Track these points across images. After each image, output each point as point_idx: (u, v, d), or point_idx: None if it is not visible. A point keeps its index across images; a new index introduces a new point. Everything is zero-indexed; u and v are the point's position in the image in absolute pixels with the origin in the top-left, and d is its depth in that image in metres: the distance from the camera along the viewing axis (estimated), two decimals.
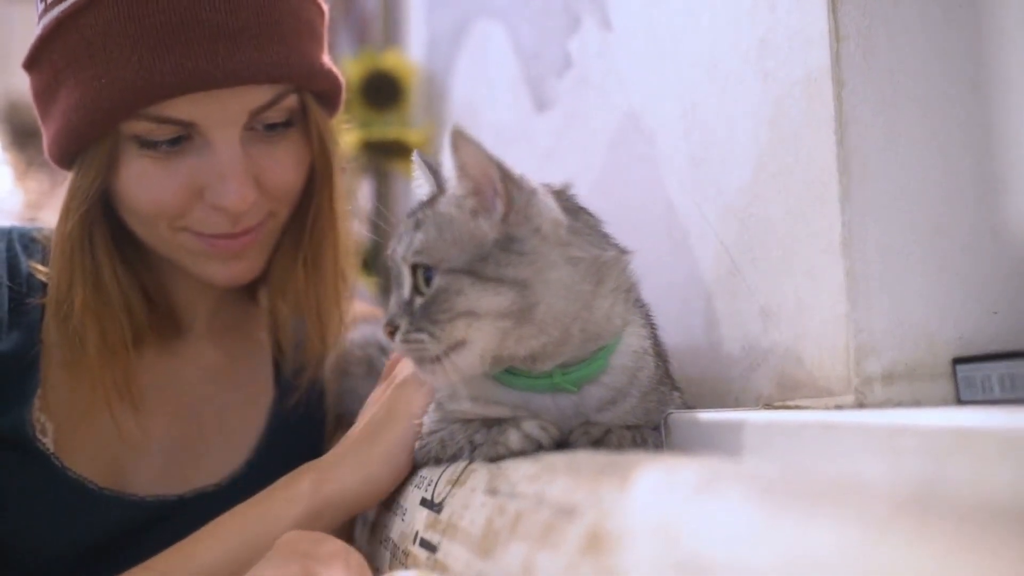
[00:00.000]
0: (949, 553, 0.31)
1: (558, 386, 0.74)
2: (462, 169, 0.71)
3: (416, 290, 0.72)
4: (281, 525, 0.84)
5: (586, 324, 0.72)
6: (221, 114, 0.88)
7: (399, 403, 0.86)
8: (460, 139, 0.69)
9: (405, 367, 0.89)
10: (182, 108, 0.86)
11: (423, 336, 0.70)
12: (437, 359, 0.70)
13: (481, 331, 0.69)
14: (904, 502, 0.36)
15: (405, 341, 0.71)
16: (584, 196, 0.79)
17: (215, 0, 0.86)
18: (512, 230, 0.70)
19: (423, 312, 0.70)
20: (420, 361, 0.72)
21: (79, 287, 0.91)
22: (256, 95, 0.89)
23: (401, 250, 0.73)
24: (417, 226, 0.73)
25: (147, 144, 0.88)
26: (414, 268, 0.72)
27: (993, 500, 0.35)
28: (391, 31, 1.99)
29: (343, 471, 0.85)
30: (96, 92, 0.85)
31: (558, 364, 0.73)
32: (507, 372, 0.74)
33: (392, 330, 0.72)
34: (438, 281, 0.70)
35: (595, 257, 0.73)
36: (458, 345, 0.70)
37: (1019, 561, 0.29)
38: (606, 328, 0.74)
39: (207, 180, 0.89)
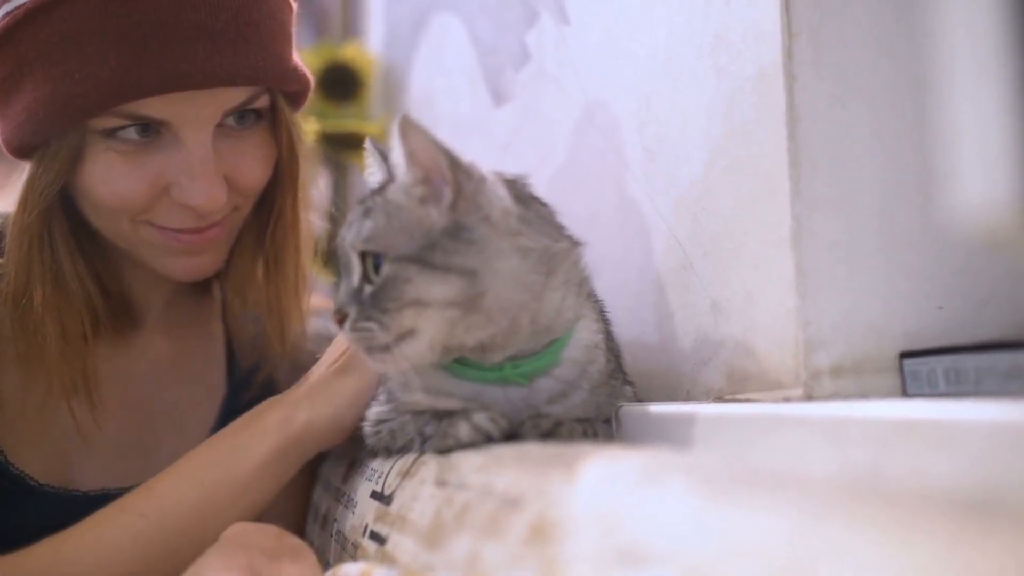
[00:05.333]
0: (885, 538, 0.31)
1: (508, 379, 0.73)
2: (410, 157, 0.70)
3: (365, 278, 0.71)
4: (250, 461, 0.85)
5: (536, 315, 0.72)
6: (195, 114, 0.86)
7: None
8: (408, 127, 0.69)
9: None
10: (156, 107, 0.84)
11: (372, 325, 0.70)
12: (386, 348, 0.70)
13: (429, 320, 0.69)
14: (843, 491, 0.37)
15: (354, 330, 0.71)
16: (541, 189, 0.78)
17: (196, 1, 0.84)
18: (461, 218, 0.70)
19: (372, 301, 0.70)
20: (369, 350, 0.71)
21: (39, 283, 0.89)
22: (231, 96, 0.88)
23: (350, 237, 0.73)
24: (366, 213, 0.73)
25: (114, 137, 0.86)
26: (363, 255, 0.71)
27: (934, 489, 0.35)
28: (350, 23, 1.98)
29: (312, 406, 0.87)
30: (68, 88, 0.83)
31: (509, 356, 0.73)
32: (458, 363, 0.74)
33: (341, 318, 0.72)
34: (386, 269, 0.70)
35: (546, 247, 0.72)
36: (407, 334, 0.70)
37: (952, 545, 0.29)
38: (556, 321, 0.74)
39: (175, 178, 0.87)
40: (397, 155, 0.71)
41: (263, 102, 0.91)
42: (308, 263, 1.04)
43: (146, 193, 0.88)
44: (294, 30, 0.96)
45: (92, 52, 0.82)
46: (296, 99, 0.97)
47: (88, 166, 0.87)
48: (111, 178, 0.87)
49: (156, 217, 0.90)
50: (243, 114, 0.91)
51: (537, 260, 0.71)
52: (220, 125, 0.89)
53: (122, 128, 0.85)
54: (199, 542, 0.77)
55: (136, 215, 0.89)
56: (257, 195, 0.96)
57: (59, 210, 0.90)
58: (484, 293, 0.69)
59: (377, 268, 0.70)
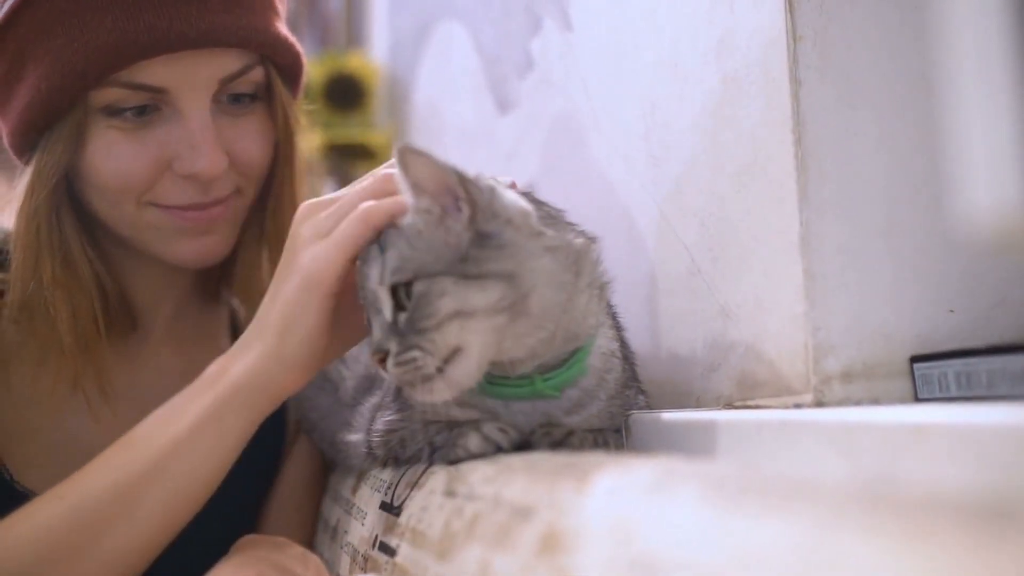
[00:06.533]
0: (899, 546, 0.31)
1: (539, 392, 0.72)
2: (417, 186, 0.68)
3: (399, 308, 0.68)
4: (167, 434, 0.77)
5: (568, 322, 0.71)
6: (192, 80, 0.88)
7: (292, 259, 0.77)
8: (409, 155, 0.67)
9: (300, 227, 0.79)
10: (154, 73, 0.86)
11: (416, 353, 0.66)
12: (433, 376, 0.66)
13: (476, 332, 0.66)
14: (855, 497, 0.36)
15: (399, 364, 0.66)
16: (546, 197, 0.78)
17: None
18: (483, 227, 0.68)
19: (409, 325, 0.66)
20: (414, 383, 0.67)
21: (47, 261, 0.90)
22: (226, 63, 0.90)
23: (375, 276, 0.69)
24: (384, 248, 0.70)
25: (115, 112, 0.88)
26: (394, 289, 0.68)
27: (947, 495, 0.35)
28: (354, 33, 1.98)
29: (249, 347, 0.78)
30: (68, 58, 0.85)
31: (536, 367, 0.71)
32: (487, 382, 0.72)
33: (382, 357, 0.67)
34: (417, 287, 0.66)
35: (568, 243, 0.71)
36: (454, 353, 0.66)
37: (964, 551, 0.29)
38: (583, 327, 0.72)
39: (177, 150, 0.89)
40: (403, 187, 0.69)
41: (257, 75, 0.93)
42: None
43: (149, 169, 0.89)
44: (283, 8, 0.98)
45: (88, 19, 0.85)
46: (291, 77, 0.98)
47: (91, 147, 0.89)
48: (113, 155, 0.89)
49: (160, 196, 0.91)
50: (239, 96, 0.92)
51: (565, 258, 0.70)
52: (218, 102, 0.91)
53: (122, 102, 0.87)
54: (120, 524, 0.74)
55: (140, 195, 0.90)
56: (259, 178, 0.97)
57: (66, 200, 0.91)
58: (528, 294, 0.67)
59: (409, 295, 0.67)
